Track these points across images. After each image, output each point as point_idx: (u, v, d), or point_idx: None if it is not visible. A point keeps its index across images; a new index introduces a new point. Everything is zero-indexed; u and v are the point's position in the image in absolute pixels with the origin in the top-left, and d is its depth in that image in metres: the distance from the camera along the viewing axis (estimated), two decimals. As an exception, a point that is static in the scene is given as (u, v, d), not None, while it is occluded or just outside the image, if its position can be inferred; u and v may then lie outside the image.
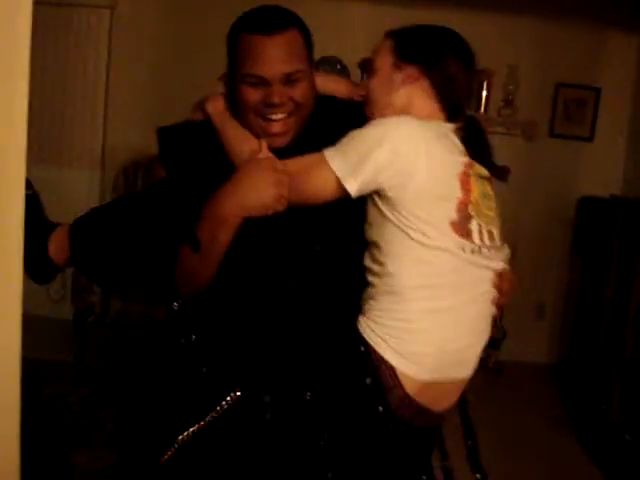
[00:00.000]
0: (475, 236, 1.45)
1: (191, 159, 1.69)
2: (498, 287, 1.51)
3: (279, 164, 1.52)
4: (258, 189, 1.50)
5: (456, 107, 1.55)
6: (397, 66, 1.54)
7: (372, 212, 1.48)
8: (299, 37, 1.58)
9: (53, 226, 1.66)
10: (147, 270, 1.66)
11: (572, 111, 4.54)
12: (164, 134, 1.76)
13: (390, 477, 1.61)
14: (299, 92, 1.58)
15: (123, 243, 1.62)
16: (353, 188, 1.42)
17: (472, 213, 1.44)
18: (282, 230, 1.59)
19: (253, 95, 1.57)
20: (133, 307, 3.70)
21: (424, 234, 1.40)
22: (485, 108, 4.39)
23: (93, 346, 3.98)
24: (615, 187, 4.41)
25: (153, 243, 1.61)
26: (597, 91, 4.50)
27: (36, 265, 1.63)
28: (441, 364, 1.44)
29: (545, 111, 4.53)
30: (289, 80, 1.56)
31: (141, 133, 4.39)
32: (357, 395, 1.44)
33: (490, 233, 1.48)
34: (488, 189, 1.52)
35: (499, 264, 1.51)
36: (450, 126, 1.51)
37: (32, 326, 4.15)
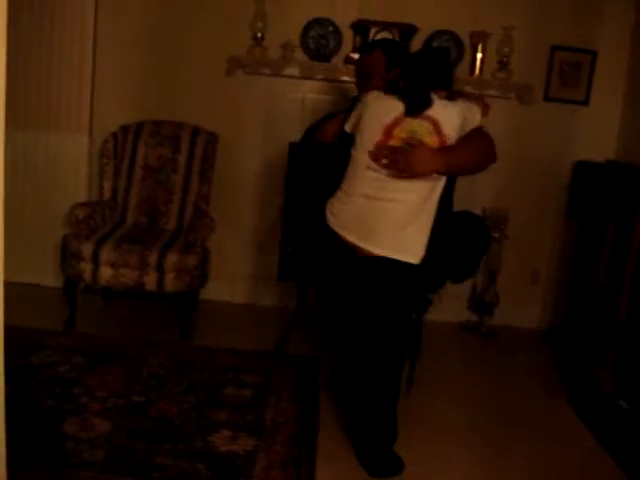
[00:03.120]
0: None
1: None
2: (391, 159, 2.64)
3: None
4: (327, 126, 3.10)
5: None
6: None
7: None
8: (380, 55, 3.07)
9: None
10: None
11: (568, 74, 4.48)
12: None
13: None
14: (373, 82, 3.00)
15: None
16: (345, 128, 2.87)
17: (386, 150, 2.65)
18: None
19: (357, 78, 3.23)
20: (123, 274, 3.66)
21: (356, 154, 2.75)
22: (480, 71, 4.34)
23: (84, 314, 3.96)
24: (611, 152, 4.39)
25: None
26: (593, 54, 4.44)
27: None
28: (348, 228, 2.76)
29: (540, 74, 4.46)
30: (368, 75, 3.07)
31: (127, 102, 4.45)
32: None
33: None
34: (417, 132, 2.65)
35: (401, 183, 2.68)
36: (396, 98, 2.70)
37: (23, 295, 4.10)
